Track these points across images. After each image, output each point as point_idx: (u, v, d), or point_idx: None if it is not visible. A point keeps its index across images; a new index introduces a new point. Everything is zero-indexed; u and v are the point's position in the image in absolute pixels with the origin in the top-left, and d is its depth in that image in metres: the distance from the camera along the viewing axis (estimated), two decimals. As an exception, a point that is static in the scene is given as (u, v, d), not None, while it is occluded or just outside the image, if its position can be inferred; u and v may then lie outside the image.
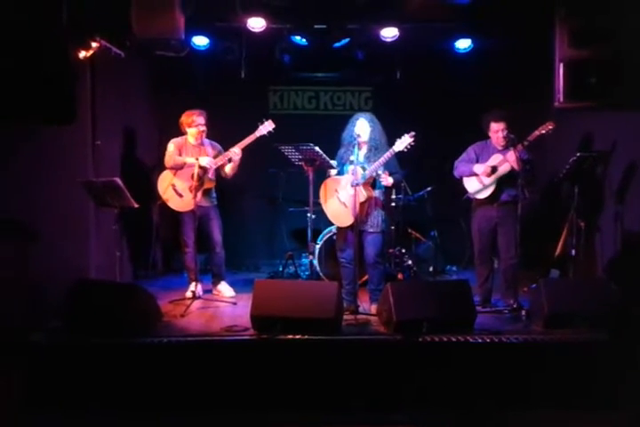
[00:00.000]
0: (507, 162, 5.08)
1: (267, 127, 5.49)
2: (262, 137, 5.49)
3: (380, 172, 4.98)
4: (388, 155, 4.90)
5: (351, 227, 5.00)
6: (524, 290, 5.43)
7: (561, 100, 4.38)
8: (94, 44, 5.16)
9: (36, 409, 4.01)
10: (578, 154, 5.27)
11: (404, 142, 4.88)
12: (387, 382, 4.14)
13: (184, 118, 5.62)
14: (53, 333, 4.40)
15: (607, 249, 5.58)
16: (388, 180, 5.00)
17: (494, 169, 5.15)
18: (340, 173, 5.23)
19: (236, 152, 5.48)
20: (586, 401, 3.96)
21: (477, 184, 5.26)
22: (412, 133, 4.88)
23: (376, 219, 5.10)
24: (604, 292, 4.54)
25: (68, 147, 5.09)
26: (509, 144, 5.08)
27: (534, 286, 4.89)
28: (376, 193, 5.10)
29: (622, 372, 3.76)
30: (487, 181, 5.20)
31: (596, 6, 4.23)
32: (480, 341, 4.27)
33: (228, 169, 5.62)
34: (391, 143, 5.03)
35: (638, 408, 3.50)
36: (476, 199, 5.32)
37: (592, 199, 5.72)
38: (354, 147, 4.98)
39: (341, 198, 5.13)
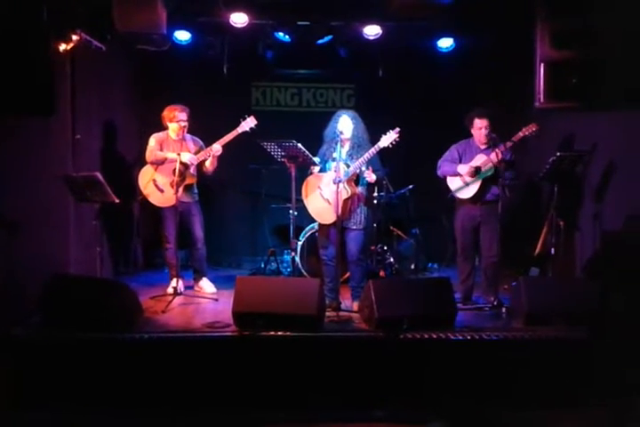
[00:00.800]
0: (490, 162, 5.12)
1: (249, 123, 5.47)
2: (244, 133, 5.47)
3: (363, 168, 5.00)
4: (372, 151, 4.92)
5: (334, 224, 5.01)
6: (505, 288, 5.48)
7: (541, 100, 4.41)
8: (75, 37, 5.08)
9: (17, 405, 3.96)
10: (558, 153, 5.32)
11: (389, 138, 4.90)
12: (368, 379, 4.15)
13: (166, 113, 5.57)
14: (33, 328, 4.35)
15: (586, 248, 5.64)
16: (372, 176, 5.01)
17: (478, 170, 5.19)
18: (322, 170, 5.23)
19: (216, 148, 5.45)
20: (565, 399, 3.99)
21: (461, 184, 5.30)
22: (397, 130, 4.91)
23: (359, 216, 5.12)
24: (582, 290, 4.59)
25: (47, 141, 5.02)
26: (491, 143, 5.13)
27: (514, 283, 4.93)
28: (359, 190, 5.12)
29: (601, 369, 3.80)
30: (470, 180, 5.23)
31: (577, 7, 4.27)
32: (460, 338, 4.30)
33: (208, 164, 5.59)
34: (373, 140, 5.05)
35: (618, 405, 3.54)
36: (460, 198, 5.35)
37: (572, 199, 5.78)
38: (336, 144, 4.99)
39: (324, 195, 5.13)
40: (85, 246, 5.37)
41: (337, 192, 4.87)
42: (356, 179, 5.09)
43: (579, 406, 3.87)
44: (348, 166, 5.00)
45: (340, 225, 4.99)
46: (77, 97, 5.40)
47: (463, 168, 5.24)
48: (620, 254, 4.31)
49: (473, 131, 5.32)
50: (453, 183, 5.35)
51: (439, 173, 5.42)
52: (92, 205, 5.13)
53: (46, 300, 4.44)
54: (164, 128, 5.65)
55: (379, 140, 4.97)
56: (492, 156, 5.07)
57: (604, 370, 3.67)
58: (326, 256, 5.21)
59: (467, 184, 5.25)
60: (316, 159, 5.22)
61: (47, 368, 4.09)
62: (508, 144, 5.09)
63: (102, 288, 4.61)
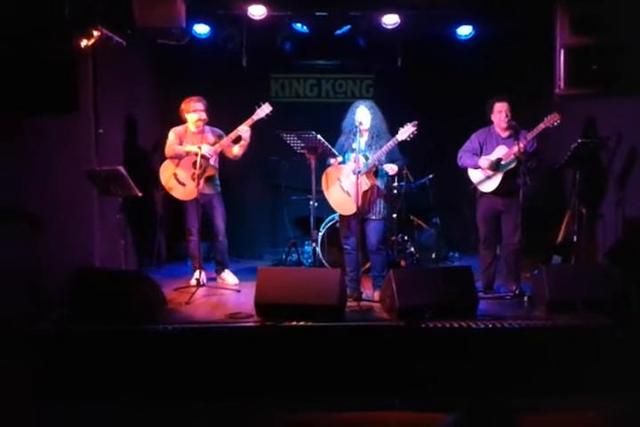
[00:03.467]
0: (512, 155, 5.05)
1: (264, 110, 5.47)
2: (261, 121, 5.48)
3: (383, 158, 5.00)
4: (391, 144, 4.92)
5: (354, 214, 5.03)
6: (527, 276, 5.46)
7: (562, 86, 4.39)
8: (96, 33, 5.14)
9: (43, 399, 4.04)
10: (579, 140, 5.26)
11: (407, 131, 4.89)
12: (389, 368, 4.17)
13: (183, 105, 5.62)
14: (58, 321, 4.42)
15: (609, 235, 5.60)
16: (393, 169, 5.04)
17: (499, 162, 5.14)
18: (342, 161, 5.24)
19: (244, 130, 5.45)
20: (588, 386, 3.97)
21: (482, 176, 5.26)
22: (415, 123, 4.89)
23: (378, 206, 5.13)
24: (605, 278, 4.56)
25: (70, 136, 5.10)
26: (512, 130, 5.09)
27: (536, 271, 4.91)
28: (378, 182, 5.12)
29: (624, 357, 3.79)
30: (492, 173, 5.19)
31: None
32: (482, 326, 4.29)
33: (237, 149, 5.61)
34: (392, 131, 5.05)
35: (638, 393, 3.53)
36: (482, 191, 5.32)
37: (594, 186, 5.73)
38: (355, 135, 5.00)
39: (344, 187, 5.14)
40: (110, 240, 5.45)
41: (357, 183, 4.88)
42: (375, 170, 5.09)
43: (600, 394, 3.85)
44: (367, 158, 5.01)
45: (361, 216, 5.01)
46: (99, 92, 5.46)
47: (484, 162, 5.18)
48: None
49: (493, 116, 5.26)
50: (475, 175, 5.31)
51: (459, 163, 5.38)
52: (116, 198, 5.21)
53: (71, 293, 4.51)
54: (183, 122, 5.70)
55: (398, 130, 4.96)
56: (514, 148, 4.99)
57: (625, 358, 3.65)
58: (349, 246, 5.24)
59: (488, 177, 5.21)
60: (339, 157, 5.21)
61: (73, 361, 4.16)
62: (529, 136, 5.02)
63: (126, 281, 4.68)
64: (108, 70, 5.64)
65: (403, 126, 4.91)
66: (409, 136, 4.89)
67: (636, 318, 4.18)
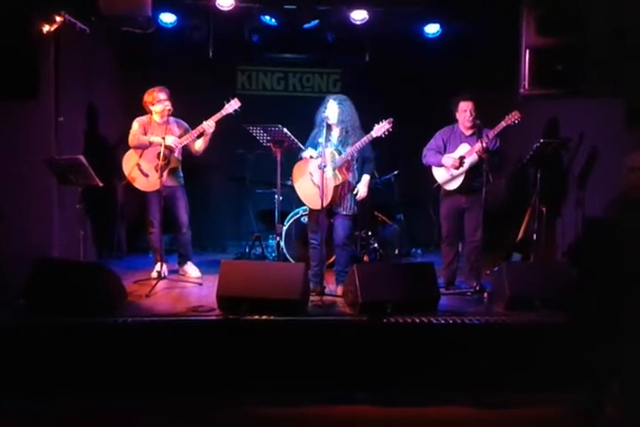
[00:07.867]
0: (473, 152, 5.11)
1: (233, 106, 5.41)
2: (229, 117, 5.43)
3: (355, 154, 4.98)
4: (365, 140, 4.92)
5: (323, 209, 5.03)
6: (487, 273, 5.54)
7: (526, 86, 4.43)
8: (58, 19, 5.02)
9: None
10: (541, 140, 5.35)
11: (382, 128, 4.89)
12: (352, 363, 4.19)
13: (146, 97, 5.51)
14: (16, 312, 4.34)
15: (568, 234, 5.70)
16: (363, 194, 5.11)
17: (462, 160, 5.19)
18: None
19: (209, 125, 5.37)
20: (545, 382, 4.06)
21: (446, 174, 5.29)
22: (390, 120, 4.89)
23: (349, 202, 5.14)
24: (563, 275, 4.64)
25: (30, 123, 4.98)
26: (476, 129, 5.14)
27: (497, 269, 4.98)
28: (349, 177, 5.13)
29: (581, 354, 3.86)
30: (456, 171, 5.24)
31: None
32: (443, 322, 4.34)
33: (199, 144, 5.53)
34: (364, 127, 5.04)
35: (595, 388, 3.61)
36: (446, 189, 5.37)
37: (555, 185, 5.83)
38: (322, 129, 4.98)
39: (315, 181, 5.12)
40: (69, 230, 5.35)
41: (323, 177, 4.87)
42: (347, 166, 5.08)
43: (558, 390, 3.93)
44: (340, 153, 5.00)
45: (329, 210, 5.01)
46: (61, 79, 5.34)
47: (447, 160, 5.23)
48: (599, 240, 4.36)
49: (458, 115, 5.31)
50: (439, 174, 5.35)
51: (424, 161, 5.42)
52: (76, 188, 5.10)
53: (30, 284, 4.43)
54: (147, 113, 5.60)
55: (367, 125, 4.96)
56: (477, 146, 5.06)
57: (581, 355, 3.72)
58: (315, 240, 5.22)
59: (452, 175, 5.25)
60: (310, 150, 5.19)
61: (30, 353, 4.08)
62: (491, 134, 5.09)
63: (86, 272, 4.61)
64: (70, 57, 5.52)
65: (378, 123, 4.91)
66: (384, 133, 4.90)
67: (593, 316, 4.26)
